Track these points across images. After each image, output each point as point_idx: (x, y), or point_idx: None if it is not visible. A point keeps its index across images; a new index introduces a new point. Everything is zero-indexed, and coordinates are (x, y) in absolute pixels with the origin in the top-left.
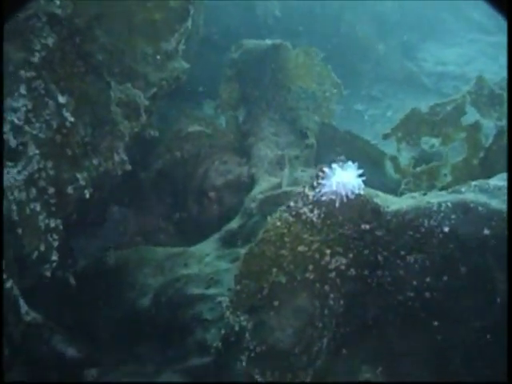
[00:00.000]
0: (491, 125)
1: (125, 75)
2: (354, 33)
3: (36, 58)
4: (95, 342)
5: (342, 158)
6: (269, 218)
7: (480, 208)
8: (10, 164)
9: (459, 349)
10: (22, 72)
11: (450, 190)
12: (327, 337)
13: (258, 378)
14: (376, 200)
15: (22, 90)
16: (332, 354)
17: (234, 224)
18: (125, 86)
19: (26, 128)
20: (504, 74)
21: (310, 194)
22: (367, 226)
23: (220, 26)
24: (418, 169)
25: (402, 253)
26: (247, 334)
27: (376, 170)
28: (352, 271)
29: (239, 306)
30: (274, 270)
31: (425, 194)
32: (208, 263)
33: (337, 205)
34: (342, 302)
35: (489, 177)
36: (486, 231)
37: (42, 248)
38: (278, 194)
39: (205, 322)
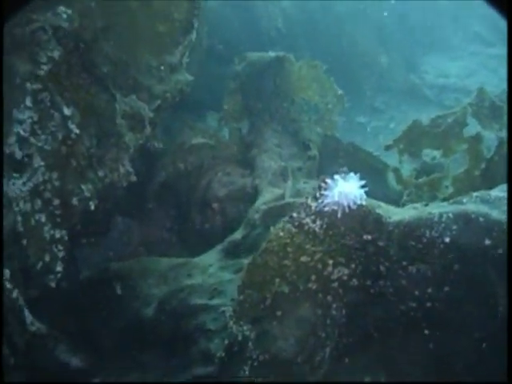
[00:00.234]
0: (492, 136)
1: (129, 87)
2: (357, 45)
3: (42, 71)
4: (99, 351)
5: (345, 169)
6: (272, 228)
7: (481, 219)
8: (15, 175)
9: (460, 359)
10: (28, 84)
11: (451, 200)
12: (330, 346)
13: None
14: (378, 211)
15: (28, 102)
16: (334, 364)
17: (237, 235)
18: (130, 98)
19: (32, 140)
20: (504, 86)
21: (313, 204)
22: (369, 237)
23: (223, 38)
24: (420, 180)
25: (404, 263)
26: (250, 344)
27: (378, 182)
28: (354, 281)
29: (242, 315)
30: (277, 280)
31: (426, 205)
32: (211, 274)
33: (339, 215)
34: (344, 311)
35: (490, 188)
36: (487, 241)
37: (47, 259)
38: (281, 205)
39: (208, 332)
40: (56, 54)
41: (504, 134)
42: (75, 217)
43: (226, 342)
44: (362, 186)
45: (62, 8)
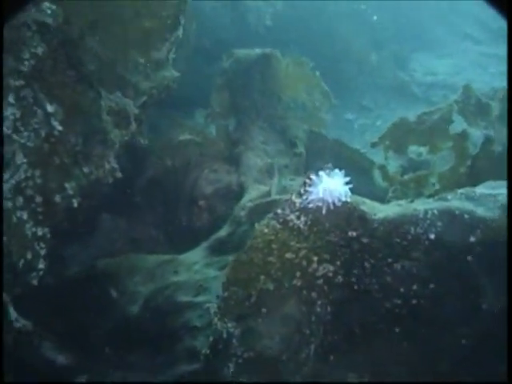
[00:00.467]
0: (478, 133)
1: (115, 84)
2: (346, 43)
3: (25, 67)
4: (85, 349)
5: (330, 165)
6: (256, 225)
7: (466, 216)
8: None
9: (446, 355)
10: (11, 81)
11: (436, 197)
12: (315, 344)
13: None
14: (363, 207)
15: (11, 99)
16: (319, 361)
17: (222, 232)
18: (115, 95)
19: (14, 137)
20: (494, 83)
21: (297, 201)
22: (354, 234)
23: (212, 35)
24: (406, 177)
25: (389, 260)
26: (235, 341)
27: (364, 179)
28: (339, 278)
29: (227, 312)
30: (262, 277)
31: (411, 202)
32: (197, 271)
33: (323, 212)
34: (329, 309)
35: (475, 185)
36: (472, 238)
37: (29, 256)
38: (267, 202)
39: (194, 329)
40: (40, 51)
41: (491, 131)
42: (58, 214)
43: (211, 339)
44: (347, 183)
45: (46, 4)
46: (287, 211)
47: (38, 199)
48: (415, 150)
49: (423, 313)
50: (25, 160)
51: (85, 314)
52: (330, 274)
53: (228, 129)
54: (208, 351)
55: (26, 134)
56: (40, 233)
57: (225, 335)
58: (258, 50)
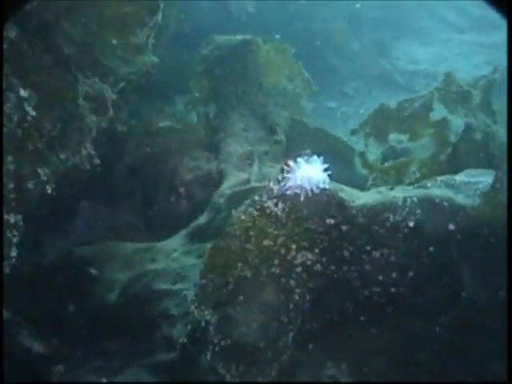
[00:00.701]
0: (459, 121)
1: (93, 69)
2: (328, 30)
3: None
4: (63, 336)
5: (308, 151)
6: (234, 212)
7: (445, 203)
8: None
9: (425, 343)
10: None
11: (416, 185)
12: (293, 331)
13: (222, 372)
14: (341, 194)
15: None
16: (298, 349)
17: (202, 219)
18: (92, 80)
19: None
20: (477, 73)
21: (275, 187)
22: (332, 221)
23: (193, 21)
24: (386, 164)
25: (368, 248)
26: (211, 328)
27: (346, 167)
28: (318, 266)
29: (204, 300)
30: (240, 264)
31: (391, 189)
32: (175, 259)
33: (302, 199)
34: (308, 297)
35: (456, 173)
36: (451, 226)
37: None
38: (246, 189)
39: (171, 317)
40: (12, 34)
41: (472, 119)
42: (31, 201)
43: (189, 327)
44: (326, 170)
45: None
46: (265, 198)
47: (10, 185)
48: (396, 138)
49: (402, 301)
50: None
51: (62, 302)
52: (309, 262)
53: (209, 116)
54: (185, 340)
55: None
56: (12, 220)
57: (203, 324)
58: (238, 37)
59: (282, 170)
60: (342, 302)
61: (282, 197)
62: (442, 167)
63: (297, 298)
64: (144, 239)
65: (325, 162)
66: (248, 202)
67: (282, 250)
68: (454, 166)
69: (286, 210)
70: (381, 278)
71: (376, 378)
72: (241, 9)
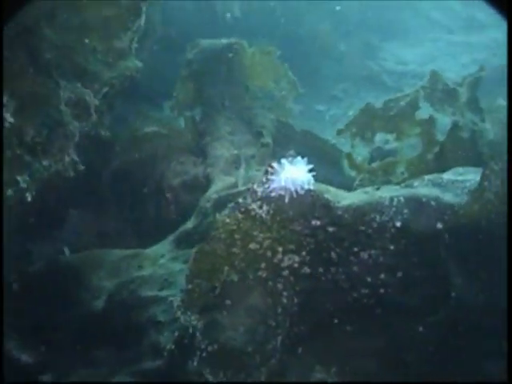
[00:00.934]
0: (446, 120)
1: (75, 74)
2: (315, 32)
3: None
4: (50, 346)
5: (292, 152)
6: (218, 215)
7: (432, 202)
8: None
9: (416, 344)
10: None
11: (403, 184)
12: (281, 335)
13: (210, 378)
14: (326, 195)
15: None
16: (287, 353)
17: (189, 224)
18: (74, 85)
19: None
20: (465, 73)
21: (259, 190)
22: (318, 222)
23: (179, 25)
24: (373, 165)
25: (355, 249)
26: (198, 334)
27: (334, 169)
28: (306, 269)
29: (190, 305)
30: (226, 268)
31: (378, 189)
32: (162, 265)
33: (286, 200)
34: (296, 300)
35: (444, 171)
36: (439, 225)
37: None
38: (233, 193)
39: (158, 324)
40: None
41: (458, 117)
42: (13, 208)
43: (176, 334)
44: (310, 170)
45: None
46: (249, 200)
47: None
48: (382, 137)
49: (391, 302)
50: None
51: (49, 310)
52: (296, 265)
53: (195, 120)
54: (173, 346)
55: None
56: None
57: (190, 330)
58: (223, 40)
59: (266, 172)
60: (331, 304)
61: (266, 199)
62: (430, 166)
63: (284, 301)
64: (132, 245)
65: (312, 163)
66: (232, 204)
67: (269, 253)
68: (442, 164)
69: (271, 212)
70: (369, 279)
71: (366, 380)
72: (227, 12)
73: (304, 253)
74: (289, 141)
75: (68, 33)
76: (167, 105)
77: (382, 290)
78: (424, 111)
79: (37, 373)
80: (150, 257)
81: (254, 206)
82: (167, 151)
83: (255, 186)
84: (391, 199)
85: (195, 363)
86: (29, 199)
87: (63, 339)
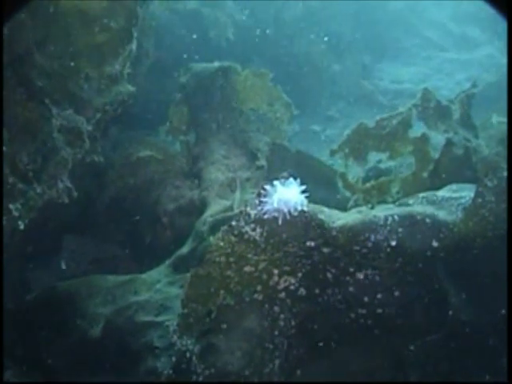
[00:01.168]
0: (439, 137)
1: (67, 101)
2: (309, 54)
3: None
4: (47, 373)
5: (285, 174)
6: (211, 238)
7: (427, 220)
8: None
9: (416, 364)
10: None
11: (397, 203)
12: (279, 358)
13: None
14: (320, 216)
15: None
16: (285, 376)
17: (185, 249)
18: (67, 112)
19: None
20: (459, 90)
21: (252, 212)
22: (313, 243)
23: (173, 50)
24: (368, 184)
25: (351, 269)
26: (194, 358)
27: (330, 190)
28: (302, 291)
29: (186, 329)
30: (222, 292)
31: (372, 208)
32: (158, 290)
33: (280, 222)
34: (293, 322)
35: (439, 189)
36: (435, 243)
37: None
38: (229, 216)
39: (155, 349)
40: None
41: (451, 134)
42: (4, 237)
43: (174, 359)
44: (303, 192)
45: None
46: (242, 223)
47: None
48: (376, 156)
49: (389, 322)
50: None
51: (45, 338)
52: (292, 287)
53: (190, 144)
54: (171, 371)
55: None
56: None
57: (188, 355)
58: (216, 64)
59: (259, 194)
60: (328, 325)
61: (259, 221)
62: (425, 184)
63: (281, 323)
64: (128, 270)
65: (306, 184)
66: (225, 227)
67: (264, 276)
68: (436, 182)
69: (265, 234)
70: (366, 299)
71: None
72: (220, 35)
73: (300, 274)
74: (284, 162)
75: (59, 60)
76: (162, 129)
77: (379, 310)
78: (417, 129)
79: None
80: (147, 282)
81: (247, 228)
82: (162, 176)
83: (248, 209)
84: (385, 218)
85: None
86: (21, 227)
87: (60, 367)
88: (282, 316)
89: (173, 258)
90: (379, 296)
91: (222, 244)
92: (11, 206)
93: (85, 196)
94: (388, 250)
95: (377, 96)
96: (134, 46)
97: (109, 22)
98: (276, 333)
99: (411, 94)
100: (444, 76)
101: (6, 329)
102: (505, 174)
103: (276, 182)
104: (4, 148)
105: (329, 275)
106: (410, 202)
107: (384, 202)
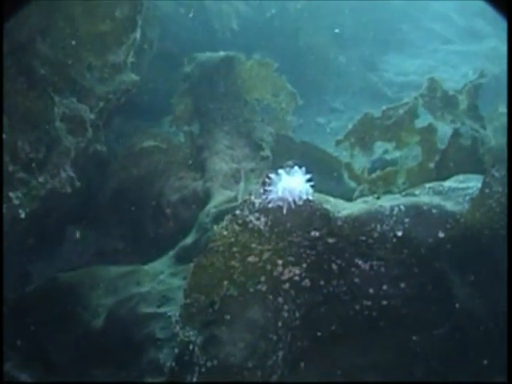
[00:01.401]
0: (445, 128)
1: (70, 89)
2: (314, 45)
3: None
4: (49, 365)
5: (290, 163)
6: (215, 227)
7: (434, 210)
8: None
9: (422, 357)
10: None
11: (403, 193)
12: (282, 350)
13: None
14: (326, 206)
15: None
16: (289, 368)
17: (188, 240)
18: (69, 101)
19: None
20: (465, 82)
21: (256, 201)
22: (317, 233)
23: (178, 40)
24: (373, 175)
25: (356, 260)
26: (196, 349)
27: (335, 181)
28: (306, 282)
29: (189, 320)
30: (225, 282)
31: (378, 198)
32: (161, 281)
33: (284, 211)
34: (297, 313)
35: (445, 180)
36: (441, 234)
37: None
38: (233, 207)
39: (158, 341)
40: None
41: (458, 125)
42: (5, 226)
43: (176, 350)
44: (308, 180)
45: None
46: (246, 212)
47: None
48: (382, 147)
49: (395, 314)
50: None
51: (47, 330)
52: (297, 278)
53: (194, 134)
54: (173, 363)
55: None
56: None
57: (190, 346)
58: (221, 53)
59: (263, 183)
60: (333, 317)
61: (263, 210)
62: (431, 175)
63: (285, 315)
64: (131, 262)
65: (311, 174)
66: (229, 216)
67: (268, 266)
68: (443, 173)
69: (269, 223)
70: (371, 290)
71: None
72: (224, 26)
73: (304, 265)
74: (288, 153)
75: (62, 48)
76: (166, 120)
77: (384, 302)
78: (423, 119)
79: None
80: (149, 273)
81: (251, 217)
82: (166, 166)
83: (252, 198)
84: (391, 208)
85: (194, 379)
86: (22, 216)
87: (62, 358)
88: (285, 307)
89: (176, 249)
90: (384, 287)
91: (225, 233)
92: (11, 194)
93: (88, 187)
94: (394, 240)
95: (382, 88)
96: (138, 34)
97: (113, 10)
98: (280, 324)
99: (417, 86)
100: (449, 68)
101: (7, 320)
102: None
103: (281, 171)
104: (4, 136)
105: (334, 266)
106: (417, 192)
107: (390, 192)
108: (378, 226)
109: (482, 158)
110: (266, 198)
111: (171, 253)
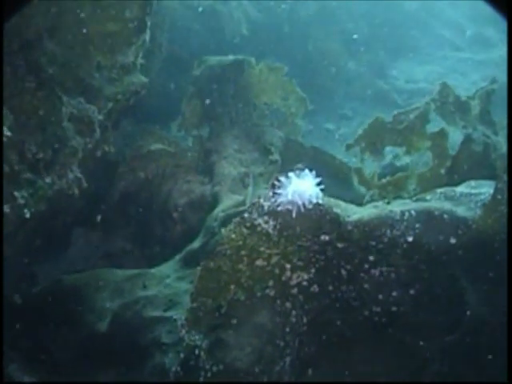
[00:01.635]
0: (457, 133)
1: (78, 89)
2: (323, 52)
3: None
4: (53, 368)
5: (300, 166)
6: (223, 230)
7: (445, 216)
8: None
9: (431, 365)
10: None
11: (414, 198)
12: (290, 356)
13: None
14: (336, 210)
15: None
16: (296, 374)
17: (196, 244)
18: (77, 101)
19: None
20: (475, 89)
21: (265, 204)
22: (327, 238)
23: (187, 45)
24: (384, 180)
25: (366, 266)
26: (202, 354)
27: (344, 185)
28: (315, 287)
29: (195, 324)
30: (233, 286)
31: (388, 203)
32: (168, 285)
33: (293, 215)
34: (305, 319)
35: (456, 185)
36: (453, 240)
37: None
38: (241, 211)
39: (163, 345)
40: None
41: (470, 130)
42: (9, 225)
43: (182, 355)
44: (318, 184)
45: None
46: (254, 215)
47: None
48: (392, 152)
49: (404, 320)
50: None
51: (52, 332)
52: (305, 283)
53: (202, 138)
54: (178, 368)
55: None
56: None
57: (196, 351)
58: (230, 57)
59: (273, 186)
60: (341, 323)
61: (272, 213)
62: (442, 181)
63: (293, 320)
64: (138, 265)
65: (322, 180)
66: (237, 219)
67: (276, 270)
68: (454, 178)
69: (278, 227)
70: (381, 296)
71: None
72: (235, 31)
73: (313, 270)
74: (298, 157)
75: (71, 47)
76: (174, 125)
77: (394, 308)
78: (435, 124)
79: None
80: (156, 277)
81: (260, 220)
82: (174, 170)
83: (261, 200)
84: (402, 213)
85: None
86: (27, 216)
87: (66, 361)
88: (293, 312)
89: (183, 252)
90: (394, 293)
91: (233, 236)
92: (16, 194)
93: (95, 189)
94: (404, 245)
95: (392, 95)
96: (147, 36)
97: (122, 10)
98: (287, 329)
99: (427, 94)
100: (459, 75)
101: (12, 321)
102: None
103: (291, 174)
104: (11, 135)
105: (343, 271)
106: (428, 197)
107: (400, 197)
108: (389, 231)
109: (494, 163)
110: (275, 200)
111: (178, 256)
